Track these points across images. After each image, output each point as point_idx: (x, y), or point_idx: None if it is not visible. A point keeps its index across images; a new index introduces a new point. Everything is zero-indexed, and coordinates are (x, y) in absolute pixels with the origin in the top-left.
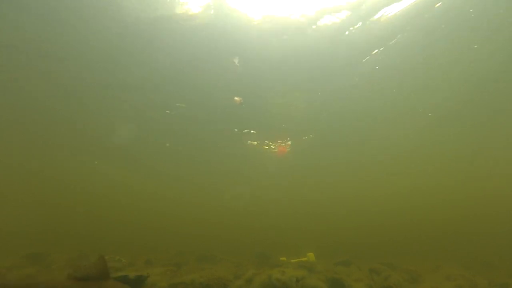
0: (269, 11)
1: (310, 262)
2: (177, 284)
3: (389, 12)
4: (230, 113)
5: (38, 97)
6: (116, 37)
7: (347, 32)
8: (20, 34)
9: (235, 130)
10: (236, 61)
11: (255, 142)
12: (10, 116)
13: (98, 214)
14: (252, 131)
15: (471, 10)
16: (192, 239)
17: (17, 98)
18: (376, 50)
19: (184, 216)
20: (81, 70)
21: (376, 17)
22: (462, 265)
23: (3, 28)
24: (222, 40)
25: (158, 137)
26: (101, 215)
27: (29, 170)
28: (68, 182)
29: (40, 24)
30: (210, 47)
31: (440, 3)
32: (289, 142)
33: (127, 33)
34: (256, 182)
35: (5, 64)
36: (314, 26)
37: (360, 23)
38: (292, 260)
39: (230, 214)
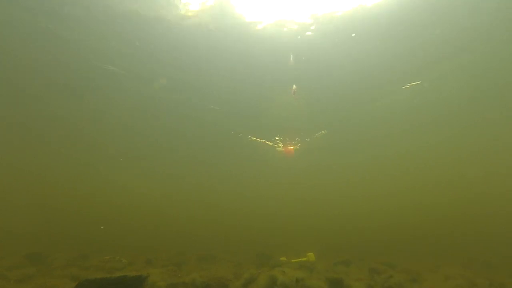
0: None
1: (310, 262)
2: (177, 284)
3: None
4: (230, 113)
5: (39, 98)
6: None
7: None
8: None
9: (234, 130)
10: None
11: (258, 139)
12: (10, 117)
13: (98, 214)
14: (251, 134)
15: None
16: (192, 239)
17: (17, 99)
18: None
19: (184, 216)
20: (81, 68)
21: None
22: (462, 265)
23: None
24: (221, 41)
25: (157, 138)
26: (101, 215)
27: (29, 170)
28: (68, 182)
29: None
30: (208, 48)
31: None
32: (297, 142)
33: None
34: (257, 181)
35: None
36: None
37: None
38: (292, 260)
39: (231, 214)
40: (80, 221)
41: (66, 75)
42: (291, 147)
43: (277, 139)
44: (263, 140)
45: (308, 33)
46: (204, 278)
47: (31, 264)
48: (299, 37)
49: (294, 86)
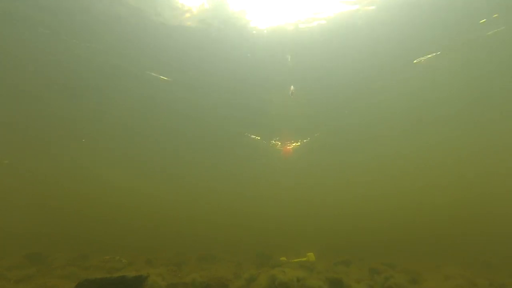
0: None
1: (310, 262)
2: (177, 284)
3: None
4: (230, 114)
5: (39, 98)
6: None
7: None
8: None
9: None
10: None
11: (258, 137)
12: (10, 117)
13: (98, 215)
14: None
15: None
16: (192, 239)
17: (17, 100)
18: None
19: (184, 216)
20: (81, 70)
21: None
22: (462, 265)
23: None
24: (220, 42)
25: (157, 138)
26: (101, 216)
27: (30, 171)
28: (68, 183)
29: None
30: (209, 48)
31: None
32: (297, 142)
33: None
34: (257, 181)
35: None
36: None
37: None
38: (292, 260)
39: (231, 214)
40: (80, 221)
41: (66, 75)
42: (290, 148)
43: (277, 140)
44: (264, 139)
45: (309, 32)
46: (204, 278)
47: (31, 264)
48: (299, 37)
49: (292, 87)
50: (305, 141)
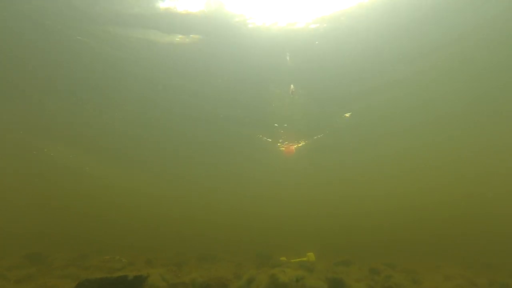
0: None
1: (310, 262)
2: (177, 284)
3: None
4: (229, 114)
5: (38, 97)
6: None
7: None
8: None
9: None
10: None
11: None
12: (10, 116)
13: (98, 215)
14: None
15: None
16: (192, 239)
17: (16, 98)
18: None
19: (185, 216)
20: (81, 72)
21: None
22: (462, 265)
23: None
24: (220, 41)
25: (157, 138)
26: (101, 215)
27: (29, 171)
28: (68, 183)
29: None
30: (211, 50)
31: None
32: (300, 142)
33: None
34: (258, 181)
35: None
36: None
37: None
38: (292, 260)
39: (231, 214)
40: (80, 221)
41: (66, 75)
42: (292, 147)
43: (277, 140)
44: (264, 138)
45: (308, 32)
46: (204, 278)
47: (31, 264)
48: (298, 37)
49: (292, 86)
50: (308, 141)
